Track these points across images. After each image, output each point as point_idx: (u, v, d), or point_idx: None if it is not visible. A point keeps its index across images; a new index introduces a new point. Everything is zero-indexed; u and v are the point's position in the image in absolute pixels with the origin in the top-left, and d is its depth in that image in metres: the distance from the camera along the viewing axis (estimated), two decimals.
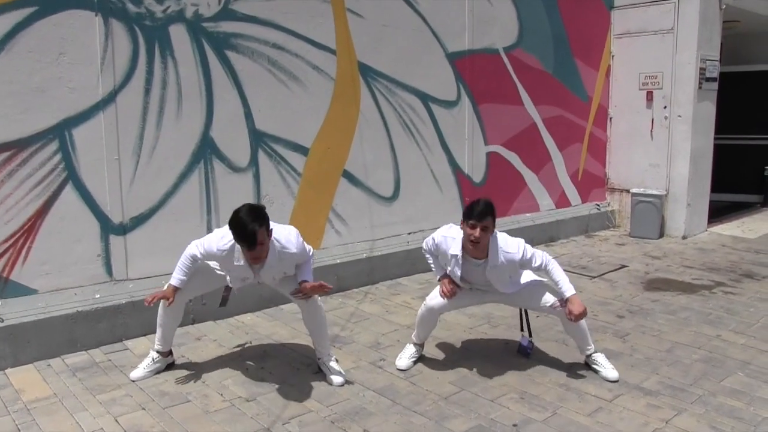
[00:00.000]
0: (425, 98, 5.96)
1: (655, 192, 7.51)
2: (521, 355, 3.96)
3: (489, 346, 4.17)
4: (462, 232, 3.46)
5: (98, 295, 4.12)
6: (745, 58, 9.37)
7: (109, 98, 4.09)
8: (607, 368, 3.65)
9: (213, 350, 4.06)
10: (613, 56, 7.95)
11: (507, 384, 3.57)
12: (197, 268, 3.53)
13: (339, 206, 5.43)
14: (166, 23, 4.31)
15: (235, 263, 3.35)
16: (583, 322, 3.60)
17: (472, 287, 3.70)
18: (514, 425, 3.11)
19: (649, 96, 7.62)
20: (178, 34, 4.37)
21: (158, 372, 3.67)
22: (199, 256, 3.43)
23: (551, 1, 7.12)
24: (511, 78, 6.80)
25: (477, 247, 3.40)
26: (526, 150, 7.09)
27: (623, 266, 6.22)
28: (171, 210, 4.44)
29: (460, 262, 3.53)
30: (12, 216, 3.82)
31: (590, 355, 3.71)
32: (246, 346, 4.14)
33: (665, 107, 7.50)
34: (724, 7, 7.46)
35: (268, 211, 3.23)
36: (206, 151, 4.59)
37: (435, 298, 3.69)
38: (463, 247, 3.48)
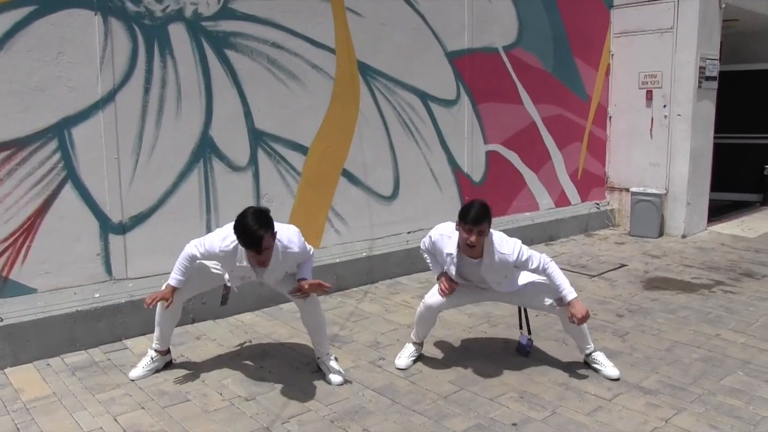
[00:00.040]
0: (425, 97, 5.96)
1: (654, 191, 7.51)
2: (520, 354, 3.96)
3: (488, 346, 4.17)
4: (458, 231, 3.46)
5: (97, 295, 4.12)
6: (744, 56, 9.37)
7: (109, 97, 4.09)
8: (607, 367, 3.65)
9: (212, 349, 4.06)
10: (612, 55, 7.95)
11: (506, 383, 3.57)
12: (195, 267, 3.52)
13: (338, 205, 5.43)
14: (166, 22, 4.31)
15: (238, 264, 3.35)
16: None
17: (470, 285, 3.70)
18: (514, 424, 3.11)
19: (649, 95, 7.62)
20: (178, 33, 4.37)
21: (157, 371, 3.67)
22: (198, 256, 3.42)
23: (551, 0, 7.12)
24: (511, 77, 6.80)
25: (473, 250, 3.41)
26: (526, 149, 7.09)
27: (623, 265, 6.23)
28: (170, 209, 4.44)
29: (456, 260, 3.53)
30: (11, 215, 3.82)
31: (590, 354, 3.72)
32: (245, 345, 4.14)
33: (665, 106, 7.50)
34: (723, 5, 7.46)
35: None
36: (206, 150, 4.59)
37: (433, 296, 3.69)
38: (459, 246, 3.48)
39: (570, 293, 3.48)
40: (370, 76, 5.52)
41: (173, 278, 3.46)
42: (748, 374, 3.68)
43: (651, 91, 7.59)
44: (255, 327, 4.46)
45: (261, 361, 3.86)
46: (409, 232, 5.93)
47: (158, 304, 3.49)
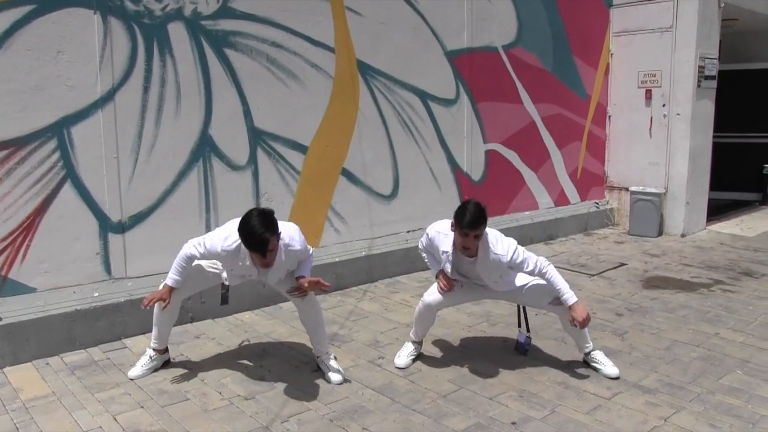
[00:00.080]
0: (424, 96, 5.96)
1: (654, 190, 7.51)
2: (518, 352, 3.96)
3: (488, 345, 4.17)
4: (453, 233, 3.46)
5: (97, 294, 4.12)
6: (743, 56, 9.38)
7: (108, 96, 4.09)
8: (607, 365, 3.65)
9: (212, 348, 4.05)
10: (612, 54, 7.95)
11: (506, 382, 3.57)
12: (193, 267, 3.52)
13: (338, 204, 5.43)
14: (165, 21, 4.31)
15: (241, 263, 3.34)
16: None
17: (468, 282, 3.70)
18: (513, 423, 3.11)
19: (648, 94, 7.62)
20: (177, 32, 4.36)
21: (156, 369, 3.68)
22: (197, 256, 3.40)
23: None
24: (510, 76, 6.80)
25: (468, 250, 3.41)
26: (525, 148, 7.09)
27: (622, 264, 6.23)
28: (170, 208, 4.44)
29: (452, 258, 3.54)
30: (11, 214, 3.81)
31: (589, 353, 3.72)
32: (243, 344, 4.13)
33: (664, 105, 7.50)
34: (722, 5, 7.46)
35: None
36: (205, 149, 4.59)
37: (432, 294, 3.69)
38: (454, 244, 3.48)
39: (571, 297, 3.46)
40: (369, 75, 5.51)
41: (170, 278, 3.45)
42: (747, 373, 3.68)
43: (650, 90, 7.60)
44: (254, 326, 4.46)
45: (260, 360, 3.86)
46: (408, 232, 5.93)
47: (156, 304, 3.49)
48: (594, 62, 7.82)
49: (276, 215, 3.20)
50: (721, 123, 8.16)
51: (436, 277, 3.71)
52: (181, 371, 3.69)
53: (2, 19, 3.67)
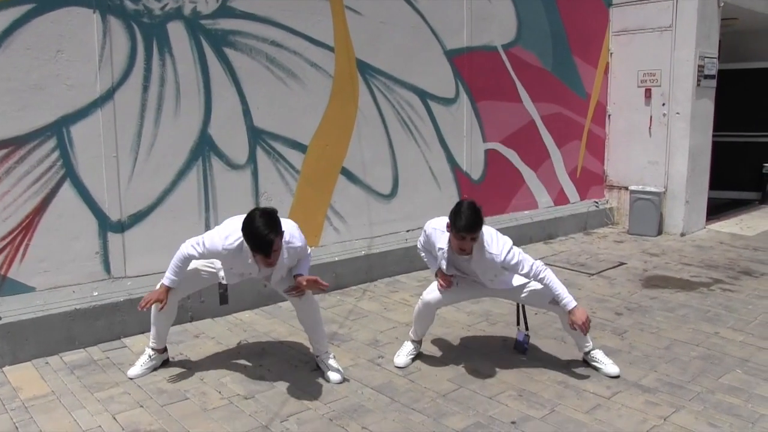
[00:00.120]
0: (423, 95, 5.96)
1: (653, 189, 7.51)
2: (517, 350, 3.96)
3: (487, 344, 4.17)
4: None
5: (96, 293, 4.11)
6: (743, 55, 9.37)
7: (107, 95, 4.09)
8: (607, 364, 3.65)
9: (211, 348, 4.05)
10: (611, 53, 7.95)
11: (505, 381, 3.57)
12: (190, 267, 3.51)
13: (337, 204, 5.43)
14: (164, 20, 4.30)
15: (242, 261, 3.33)
16: None
17: (467, 279, 3.70)
18: (513, 422, 3.11)
19: (648, 93, 7.62)
20: (176, 31, 4.36)
21: (155, 369, 3.67)
22: (196, 255, 3.38)
23: None
24: (510, 75, 6.80)
25: (464, 252, 3.41)
26: (525, 147, 7.09)
27: (622, 263, 6.23)
28: (169, 207, 4.43)
29: (447, 255, 3.54)
30: (10, 213, 3.81)
31: (589, 352, 3.72)
32: (242, 343, 4.13)
33: (664, 104, 7.50)
34: (722, 4, 7.46)
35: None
36: (204, 148, 4.59)
37: (431, 292, 3.69)
38: (450, 242, 3.49)
39: (570, 302, 3.45)
40: (369, 75, 5.51)
41: (167, 278, 3.43)
42: (746, 372, 3.69)
43: (650, 90, 7.60)
44: (254, 325, 4.46)
45: (260, 360, 3.86)
46: (408, 231, 5.92)
47: (153, 306, 3.48)
48: (594, 61, 7.82)
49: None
50: (720, 122, 8.16)
51: (436, 275, 3.72)
52: (180, 370, 3.68)
53: (2, 18, 3.66)
